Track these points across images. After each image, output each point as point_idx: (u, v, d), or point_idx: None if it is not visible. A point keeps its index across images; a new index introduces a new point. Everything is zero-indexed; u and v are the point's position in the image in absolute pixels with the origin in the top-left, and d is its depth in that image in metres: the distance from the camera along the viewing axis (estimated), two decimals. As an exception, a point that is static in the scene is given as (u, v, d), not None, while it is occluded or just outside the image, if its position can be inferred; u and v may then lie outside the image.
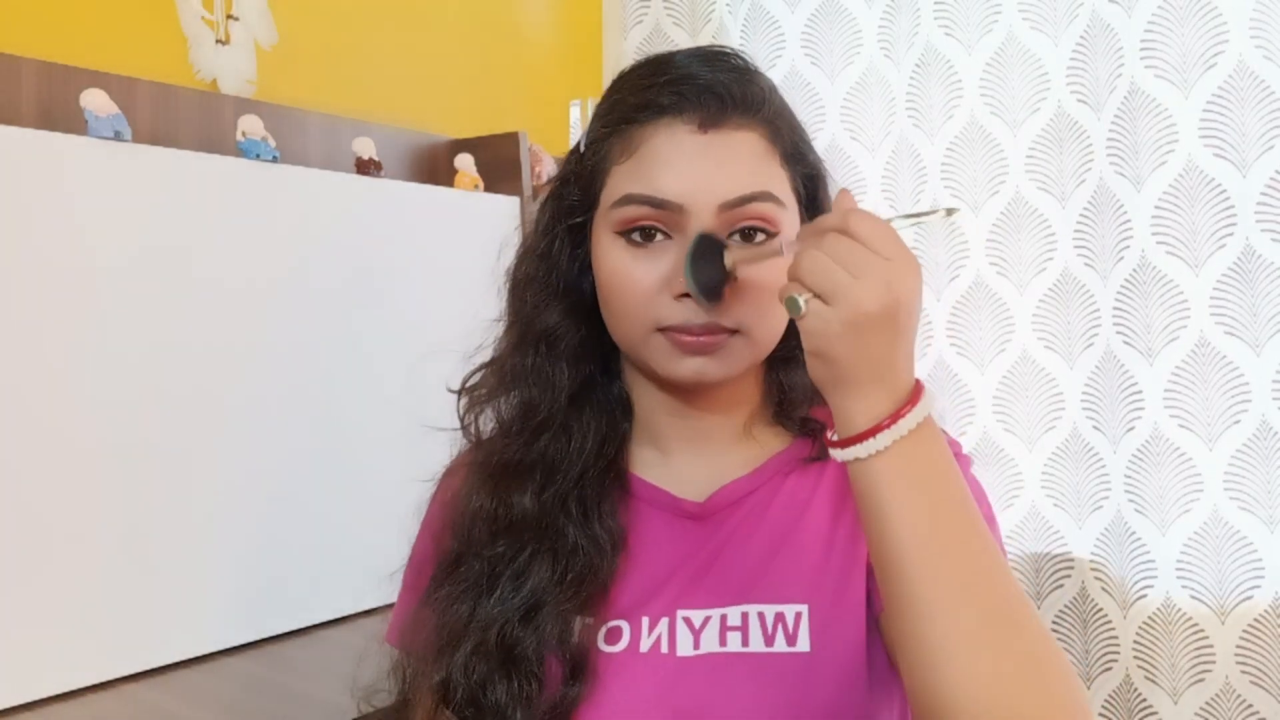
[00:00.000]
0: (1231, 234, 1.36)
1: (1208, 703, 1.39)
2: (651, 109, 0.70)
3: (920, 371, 1.61)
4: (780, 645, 0.68)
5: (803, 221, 0.73)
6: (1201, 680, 1.40)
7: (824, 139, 1.65)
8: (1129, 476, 1.45)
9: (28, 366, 1.02)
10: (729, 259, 0.66)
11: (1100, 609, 1.50)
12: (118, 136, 1.12)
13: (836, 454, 0.59)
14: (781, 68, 1.68)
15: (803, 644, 0.68)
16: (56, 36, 1.25)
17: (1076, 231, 1.51)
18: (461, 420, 0.79)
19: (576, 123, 1.81)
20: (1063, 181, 1.53)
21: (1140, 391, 1.43)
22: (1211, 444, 1.38)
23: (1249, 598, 1.37)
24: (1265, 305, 1.35)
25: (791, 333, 0.72)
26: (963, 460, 0.71)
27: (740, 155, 0.69)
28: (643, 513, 0.75)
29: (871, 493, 0.58)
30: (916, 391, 0.58)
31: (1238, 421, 1.37)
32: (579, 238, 0.75)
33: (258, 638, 1.22)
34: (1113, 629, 1.49)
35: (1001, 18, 1.54)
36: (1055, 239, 1.53)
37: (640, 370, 0.75)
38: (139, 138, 1.20)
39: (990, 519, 0.67)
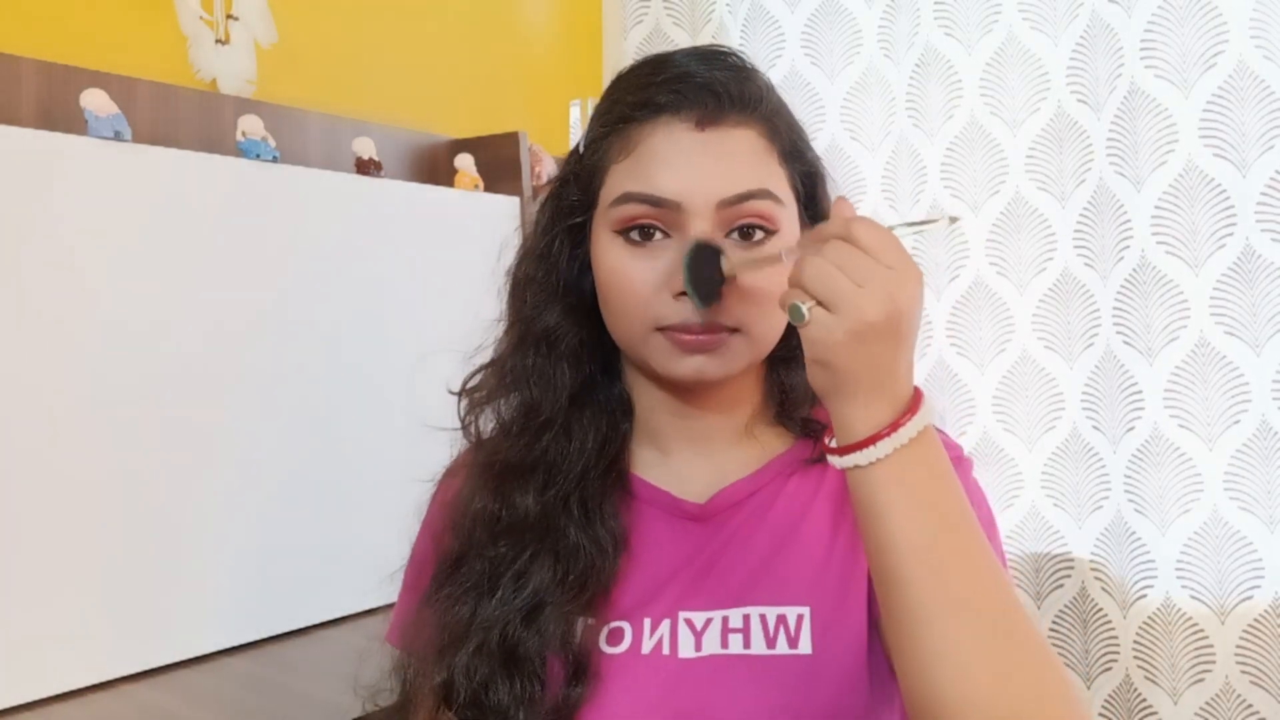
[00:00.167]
0: (1231, 234, 1.36)
1: (1208, 703, 1.39)
2: (649, 108, 0.70)
3: (920, 371, 1.62)
4: (782, 647, 0.68)
5: (801, 220, 0.73)
6: (1201, 680, 1.39)
7: (824, 139, 1.65)
8: (1129, 476, 1.45)
9: (28, 366, 1.02)
10: (727, 265, 0.66)
11: (1100, 609, 1.50)
12: (118, 136, 1.12)
13: (836, 461, 0.59)
14: (781, 68, 1.68)
15: (804, 646, 0.68)
16: (56, 36, 1.25)
17: (1076, 231, 1.51)
18: (462, 421, 0.79)
19: (576, 123, 1.81)
20: (1063, 181, 1.53)
21: (1140, 391, 1.43)
22: (1211, 444, 1.38)
23: (1249, 598, 1.37)
24: (1265, 305, 1.35)
25: (792, 332, 0.72)
26: (964, 463, 0.72)
27: (738, 153, 0.69)
28: (644, 513, 0.75)
29: (870, 500, 0.58)
30: (916, 400, 0.58)
31: (1238, 421, 1.37)
32: (579, 238, 0.75)
33: (258, 638, 1.22)
34: (1113, 629, 1.49)
35: (1001, 18, 1.54)
36: (1055, 239, 1.53)
37: (640, 370, 0.75)
38: (139, 138, 1.20)
39: (990, 523, 0.67)
